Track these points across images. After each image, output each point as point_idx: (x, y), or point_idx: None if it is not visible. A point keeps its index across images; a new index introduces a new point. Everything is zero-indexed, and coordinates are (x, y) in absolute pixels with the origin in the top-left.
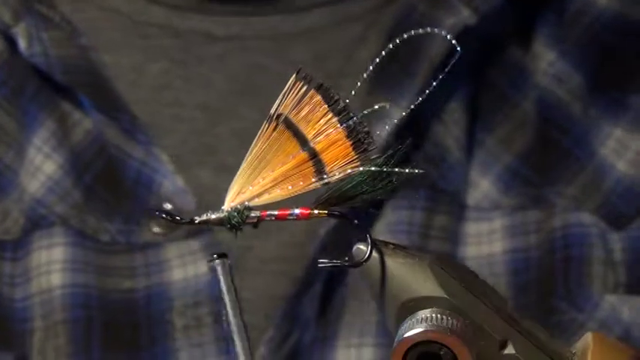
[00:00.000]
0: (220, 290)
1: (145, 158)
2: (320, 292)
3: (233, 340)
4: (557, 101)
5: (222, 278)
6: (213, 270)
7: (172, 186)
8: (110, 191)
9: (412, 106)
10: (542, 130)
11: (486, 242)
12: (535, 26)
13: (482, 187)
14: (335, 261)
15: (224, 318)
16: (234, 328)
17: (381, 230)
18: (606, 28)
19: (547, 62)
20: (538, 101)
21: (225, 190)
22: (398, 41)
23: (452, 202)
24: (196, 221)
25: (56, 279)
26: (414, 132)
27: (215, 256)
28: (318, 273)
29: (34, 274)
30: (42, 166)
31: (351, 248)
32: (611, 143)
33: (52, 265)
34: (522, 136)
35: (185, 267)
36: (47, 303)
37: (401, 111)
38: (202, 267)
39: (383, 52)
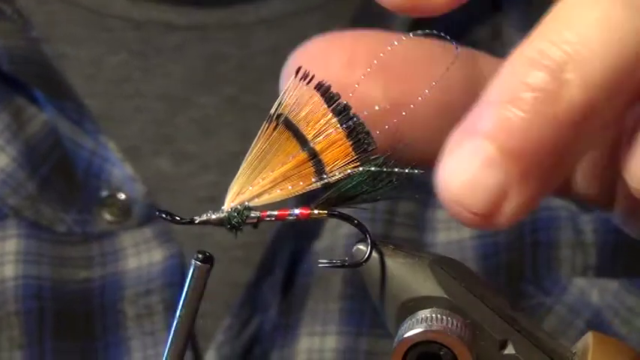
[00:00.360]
0: (187, 290)
1: (94, 148)
2: (281, 278)
3: (171, 339)
4: None
5: (193, 281)
6: (192, 268)
7: (121, 174)
8: (65, 182)
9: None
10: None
11: (455, 228)
12: (504, 9)
13: None
14: (334, 261)
15: (176, 319)
16: (177, 333)
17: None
18: None
19: None
20: None
21: (183, 178)
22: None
23: (418, 188)
24: (196, 221)
25: (9, 271)
26: None
27: (200, 256)
28: (278, 259)
29: None
30: None
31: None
32: None
33: (4, 257)
34: None
35: (139, 255)
36: (0, 294)
37: None
38: (156, 255)
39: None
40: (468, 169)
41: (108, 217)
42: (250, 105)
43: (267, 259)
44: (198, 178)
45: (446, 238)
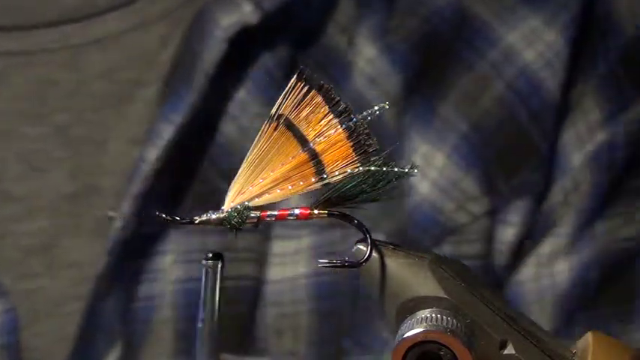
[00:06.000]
0: (204, 291)
1: None
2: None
3: (199, 342)
4: (368, 106)
5: (209, 281)
6: (204, 269)
7: None
8: None
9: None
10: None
11: (290, 263)
12: (361, 15)
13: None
14: (335, 261)
15: (200, 318)
16: (204, 331)
17: (170, 261)
18: (444, 21)
19: (365, 59)
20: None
21: (7, 222)
22: None
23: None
24: (196, 221)
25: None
26: (201, 146)
27: (210, 255)
28: (107, 310)
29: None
30: None
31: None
32: (417, 159)
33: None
34: None
35: None
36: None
37: (172, 127)
38: None
39: None
40: None
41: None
42: (83, 138)
43: (94, 307)
44: (25, 223)
45: (281, 274)
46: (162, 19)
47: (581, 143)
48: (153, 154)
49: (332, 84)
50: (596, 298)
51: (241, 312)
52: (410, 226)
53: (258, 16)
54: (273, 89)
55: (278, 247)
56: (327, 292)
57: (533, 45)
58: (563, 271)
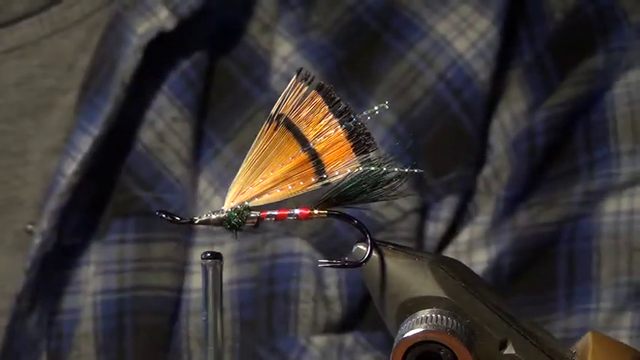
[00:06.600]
0: (206, 290)
1: None
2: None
3: (206, 341)
4: None
5: (210, 279)
6: (203, 269)
7: None
8: None
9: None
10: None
11: None
12: (280, 13)
13: (212, 203)
14: (335, 261)
15: (204, 318)
16: (210, 330)
17: (87, 276)
18: (370, 10)
19: (280, 57)
20: (271, 104)
21: None
22: None
23: (174, 226)
24: (196, 221)
25: None
26: (119, 155)
27: (209, 254)
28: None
29: None
30: None
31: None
32: None
33: None
34: None
35: None
36: None
37: (89, 139)
38: None
39: None
40: None
41: None
42: (1, 149)
43: (14, 327)
44: None
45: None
46: (80, 24)
47: (505, 133)
48: (70, 167)
49: (254, 84)
50: (510, 285)
51: (160, 324)
52: (337, 222)
53: (174, 21)
54: (189, 92)
55: (200, 254)
56: (248, 299)
57: (465, 34)
58: (482, 262)
